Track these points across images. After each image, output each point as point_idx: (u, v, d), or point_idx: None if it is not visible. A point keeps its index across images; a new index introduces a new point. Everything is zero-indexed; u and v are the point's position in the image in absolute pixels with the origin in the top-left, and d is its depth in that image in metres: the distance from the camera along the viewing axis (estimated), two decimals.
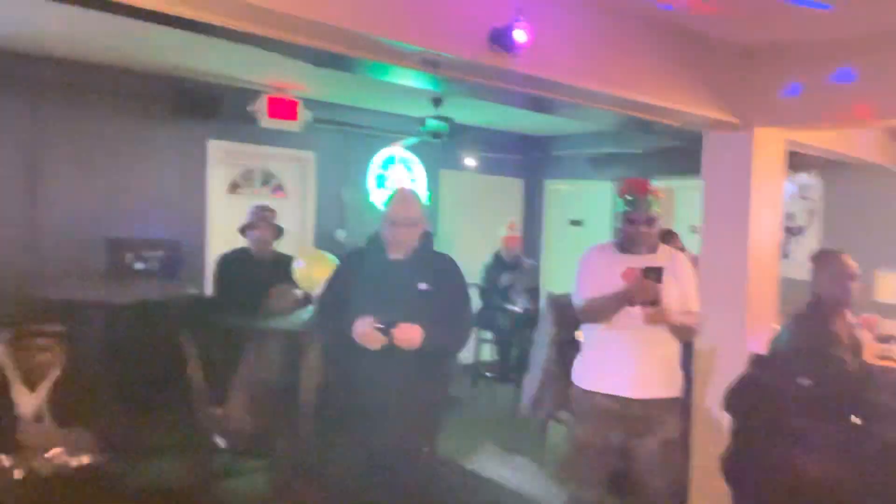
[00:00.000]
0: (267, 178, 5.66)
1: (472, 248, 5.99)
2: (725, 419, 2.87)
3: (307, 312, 3.56)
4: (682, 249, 3.72)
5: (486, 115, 5.85)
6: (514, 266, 5.87)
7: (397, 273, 2.55)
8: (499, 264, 5.89)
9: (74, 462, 2.78)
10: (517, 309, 5.66)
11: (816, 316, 2.70)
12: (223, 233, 4.85)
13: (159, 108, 4.84)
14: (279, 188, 5.71)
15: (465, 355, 5.35)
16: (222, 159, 5.29)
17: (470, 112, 5.50)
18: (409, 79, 2.84)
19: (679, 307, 2.61)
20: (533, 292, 5.79)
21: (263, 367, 3.43)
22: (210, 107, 4.87)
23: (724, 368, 3.23)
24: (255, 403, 3.36)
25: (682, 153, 4.41)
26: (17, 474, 2.66)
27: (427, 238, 2.65)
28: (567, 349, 3.40)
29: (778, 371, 2.67)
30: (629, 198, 2.66)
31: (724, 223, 3.51)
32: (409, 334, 2.41)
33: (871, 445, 2.51)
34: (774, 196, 3.58)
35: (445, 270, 2.64)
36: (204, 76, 4.82)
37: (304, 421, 3.35)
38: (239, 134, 5.22)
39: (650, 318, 2.55)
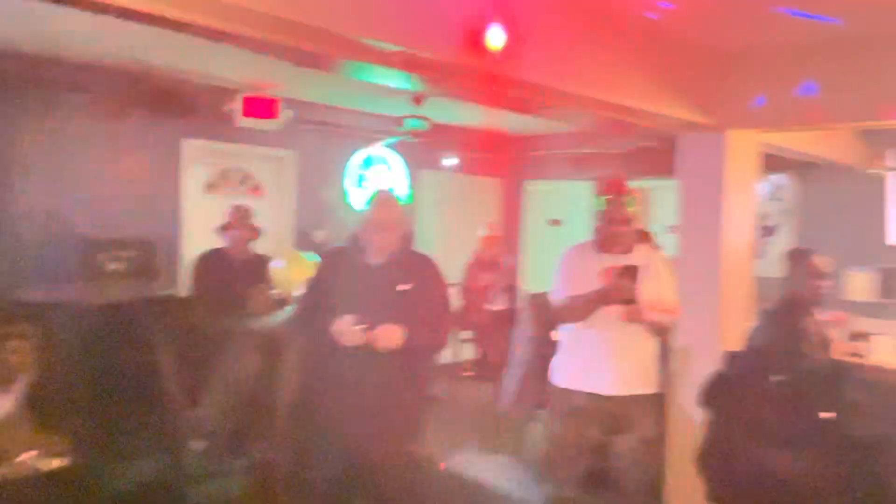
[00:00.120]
0: (245, 178, 5.61)
1: (451, 248, 6.00)
2: (700, 415, 2.92)
3: (285, 313, 3.54)
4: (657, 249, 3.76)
5: (466, 115, 5.86)
6: (494, 265, 5.90)
7: (377, 274, 2.55)
8: (478, 263, 5.91)
9: (48, 465, 2.73)
10: (496, 308, 5.69)
11: (788, 313, 2.76)
12: (199, 233, 4.80)
13: (133, 106, 4.77)
14: (257, 187, 5.67)
15: (445, 354, 5.35)
16: (198, 158, 5.22)
17: (449, 111, 5.50)
18: (388, 79, 2.84)
19: (656, 305, 2.65)
20: (512, 291, 5.82)
21: (240, 368, 3.40)
22: (186, 105, 4.81)
23: (698, 366, 3.28)
24: (232, 405, 3.34)
25: (659, 154, 4.47)
26: None
27: (407, 239, 2.66)
28: (546, 348, 3.42)
29: (751, 367, 2.72)
30: (607, 197, 2.70)
31: (698, 223, 3.56)
32: (390, 335, 2.41)
33: (842, 441, 2.57)
34: (748, 197, 3.63)
35: (425, 270, 2.64)
36: (180, 74, 4.76)
37: (282, 422, 3.33)
38: (215, 133, 5.17)
39: (627, 317, 2.59)
